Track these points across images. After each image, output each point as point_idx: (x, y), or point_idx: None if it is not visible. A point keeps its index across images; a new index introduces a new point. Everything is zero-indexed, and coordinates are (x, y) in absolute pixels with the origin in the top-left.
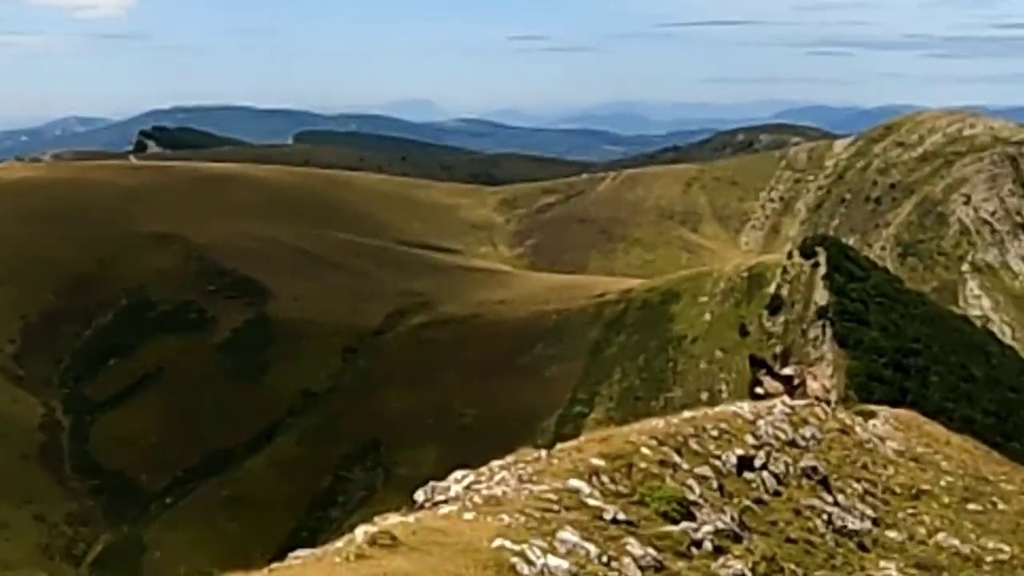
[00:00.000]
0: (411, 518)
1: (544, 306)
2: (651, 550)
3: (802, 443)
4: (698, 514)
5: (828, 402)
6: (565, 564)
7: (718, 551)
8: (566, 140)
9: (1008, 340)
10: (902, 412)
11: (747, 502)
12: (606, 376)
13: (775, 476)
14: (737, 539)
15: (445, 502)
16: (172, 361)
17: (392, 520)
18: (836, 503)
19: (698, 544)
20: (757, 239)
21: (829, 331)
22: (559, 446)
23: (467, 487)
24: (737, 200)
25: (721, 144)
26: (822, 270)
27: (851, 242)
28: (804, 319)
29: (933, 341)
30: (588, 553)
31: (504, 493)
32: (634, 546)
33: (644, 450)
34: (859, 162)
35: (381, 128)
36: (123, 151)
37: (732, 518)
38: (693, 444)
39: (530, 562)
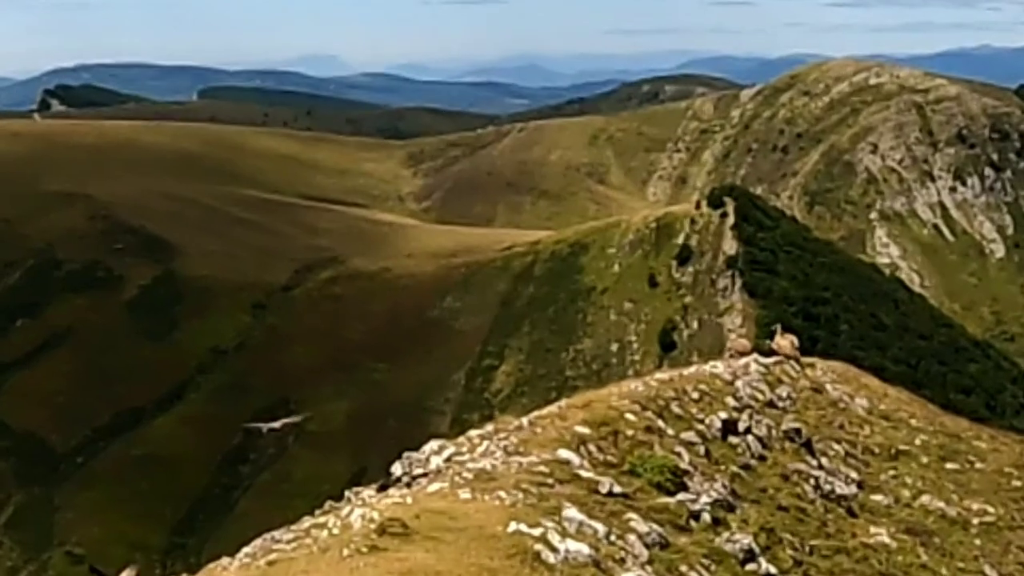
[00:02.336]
0: (408, 498)
1: (452, 259)
2: (654, 526)
3: (780, 404)
4: (690, 484)
5: (797, 359)
6: (586, 549)
7: (716, 523)
8: (471, 93)
9: (917, 288)
10: (836, 364)
11: (735, 468)
12: (516, 329)
13: (759, 440)
14: (731, 508)
15: (425, 475)
16: (81, 320)
17: (385, 501)
18: (821, 466)
19: (696, 516)
20: (664, 190)
21: (738, 281)
22: (539, 413)
23: (448, 460)
24: (644, 151)
25: (626, 95)
26: (730, 220)
27: (759, 192)
28: (713, 269)
29: (842, 290)
30: (596, 532)
31: (493, 467)
32: (638, 523)
33: (628, 416)
34: (765, 112)
35: (285, 83)
36: (27, 110)
37: (724, 486)
38: (675, 408)
39: (553, 548)
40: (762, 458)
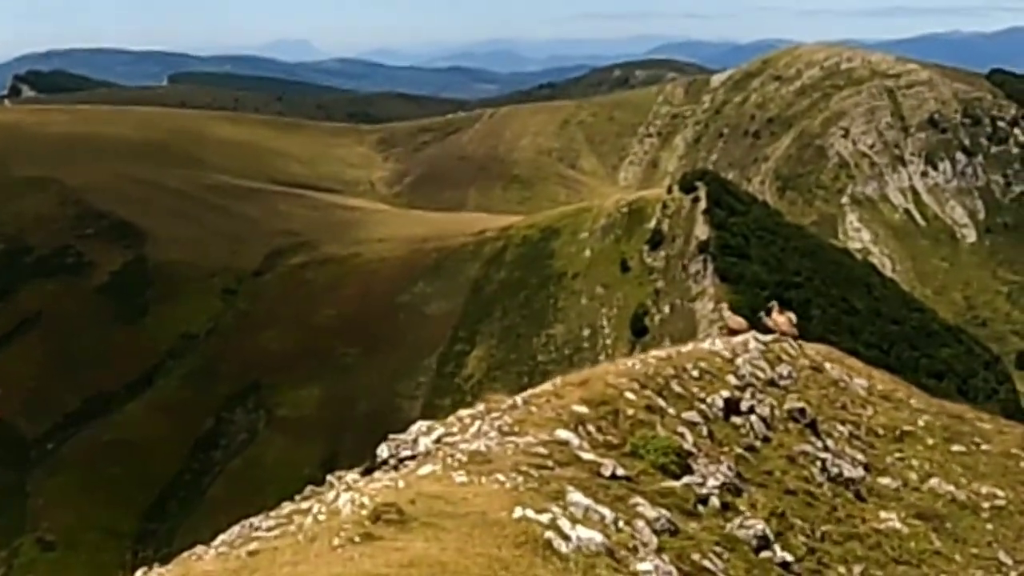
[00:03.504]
0: (399, 482)
1: (423, 244)
2: (663, 511)
3: (781, 383)
4: (695, 466)
5: (795, 336)
6: (599, 537)
7: (725, 508)
8: (441, 79)
9: (889, 272)
10: (819, 346)
11: (739, 450)
12: (487, 314)
13: (763, 420)
14: (738, 492)
15: (413, 458)
16: (51, 305)
17: (374, 485)
18: (826, 448)
19: (703, 501)
20: (636, 174)
21: (711, 265)
22: (533, 391)
23: (438, 441)
24: (615, 136)
25: (597, 81)
26: (702, 205)
27: (730, 176)
28: (685, 254)
29: (814, 274)
30: (604, 518)
31: (488, 448)
32: (645, 508)
33: (628, 395)
34: (737, 96)
35: (256, 69)
36: None
37: (729, 469)
38: (675, 386)
39: (565, 536)
40: (766, 439)
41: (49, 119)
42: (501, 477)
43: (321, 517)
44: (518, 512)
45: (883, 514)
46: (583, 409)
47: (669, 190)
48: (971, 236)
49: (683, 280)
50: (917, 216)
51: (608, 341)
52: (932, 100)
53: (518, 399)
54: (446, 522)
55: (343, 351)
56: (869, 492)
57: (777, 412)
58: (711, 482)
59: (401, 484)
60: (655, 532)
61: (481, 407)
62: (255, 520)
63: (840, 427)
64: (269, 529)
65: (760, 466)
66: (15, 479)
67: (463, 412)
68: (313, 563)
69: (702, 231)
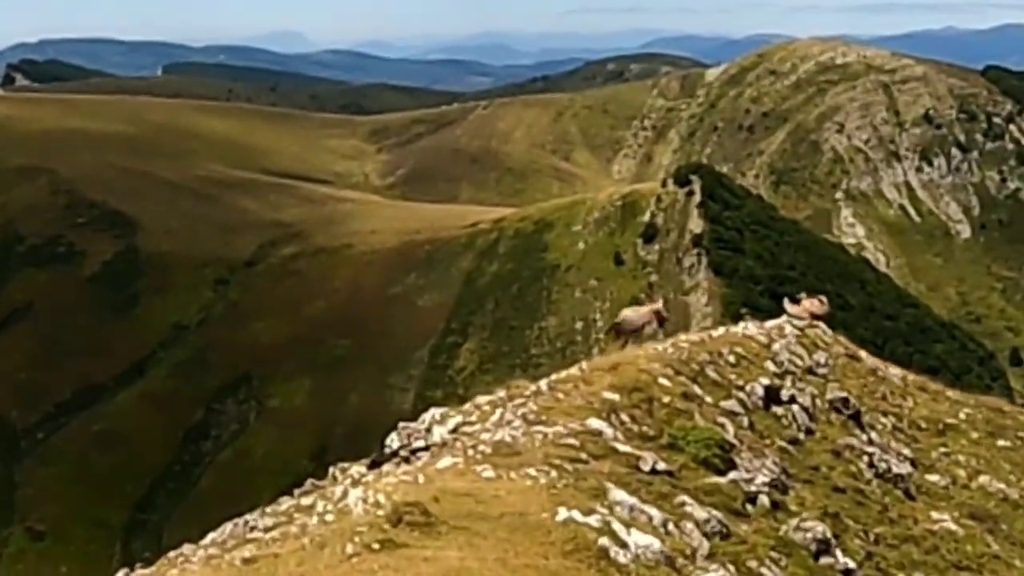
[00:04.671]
0: (418, 476)
1: (416, 236)
2: (713, 511)
3: (819, 371)
4: (738, 460)
5: (827, 318)
6: (656, 543)
7: (775, 507)
8: (434, 71)
9: (883, 268)
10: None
11: (781, 443)
12: (479, 306)
13: (805, 410)
14: (784, 490)
15: (426, 449)
16: (42, 295)
17: (388, 480)
18: (871, 442)
19: (752, 499)
20: (630, 168)
21: (704, 259)
22: (558, 377)
23: (455, 430)
24: (609, 129)
25: (591, 74)
26: (697, 198)
27: (725, 170)
28: (679, 247)
29: (808, 269)
30: (651, 519)
31: (513, 438)
32: (694, 507)
33: (662, 381)
34: (732, 90)
35: (250, 60)
36: None
37: (775, 463)
38: (711, 372)
39: (621, 543)
40: (809, 431)
41: (41, 108)
42: (532, 471)
43: (329, 518)
44: (562, 513)
45: (935, 514)
46: (614, 396)
47: (663, 183)
48: (965, 232)
49: (677, 274)
50: (912, 212)
51: (601, 335)
52: (927, 96)
53: (542, 385)
54: (479, 525)
55: (334, 343)
56: (918, 490)
57: (819, 402)
58: (759, 478)
59: (421, 479)
60: (705, 535)
61: (502, 393)
62: (250, 517)
63: (883, 419)
64: (267, 529)
65: (805, 461)
66: (5, 469)
67: (481, 399)
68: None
69: (696, 225)
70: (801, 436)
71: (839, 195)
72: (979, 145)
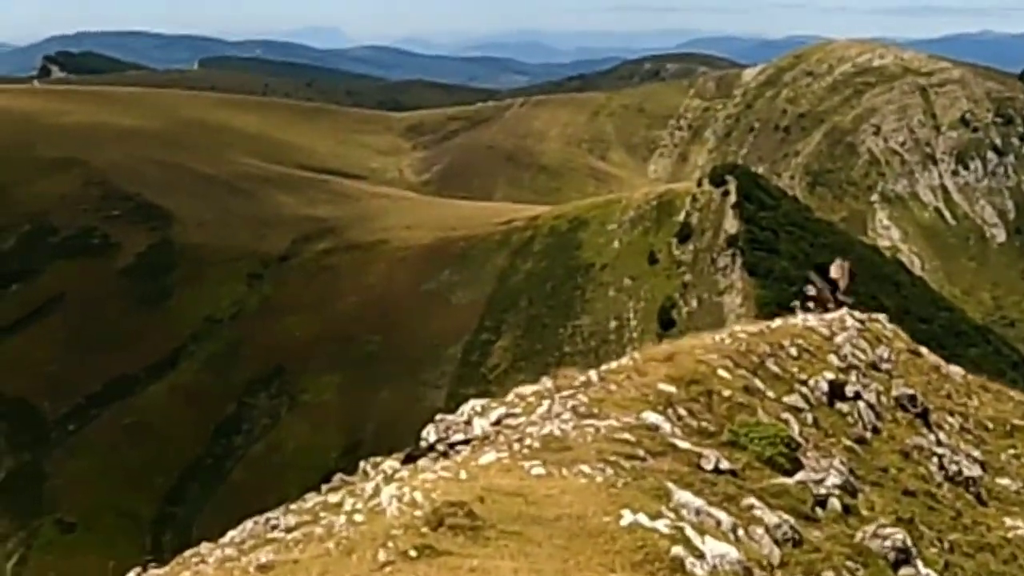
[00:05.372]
0: (460, 472)
1: (450, 232)
2: (784, 515)
3: (883, 366)
4: (805, 460)
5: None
6: (733, 552)
7: (846, 511)
8: (471, 68)
9: (917, 271)
10: None
11: (847, 441)
12: (513, 303)
13: (871, 408)
14: (853, 493)
15: (466, 442)
16: (75, 287)
17: (425, 476)
18: (940, 442)
19: (822, 502)
20: (665, 167)
21: (739, 260)
22: (610, 367)
23: (497, 423)
24: (645, 128)
25: (628, 73)
26: (732, 198)
27: (760, 171)
28: (714, 248)
29: None
30: (720, 523)
31: (563, 432)
32: (763, 511)
33: (721, 373)
34: (768, 91)
35: (287, 54)
36: (27, 76)
37: (843, 464)
38: (771, 365)
39: (697, 552)
40: (876, 430)
41: (77, 100)
42: (586, 468)
43: (359, 518)
44: (626, 517)
45: (1008, 520)
46: (671, 388)
47: (699, 183)
48: (1000, 236)
49: (711, 274)
50: (947, 215)
51: (635, 334)
52: (964, 99)
53: (593, 375)
54: (533, 530)
55: (367, 338)
56: (989, 494)
57: (884, 399)
58: (830, 480)
59: (463, 475)
60: (776, 542)
61: (548, 384)
62: (272, 515)
63: (949, 419)
64: (289, 529)
65: (873, 461)
66: (35, 460)
67: (525, 389)
68: None
69: (731, 225)
70: (868, 435)
71: (875, 197)
72: (1015, 149)
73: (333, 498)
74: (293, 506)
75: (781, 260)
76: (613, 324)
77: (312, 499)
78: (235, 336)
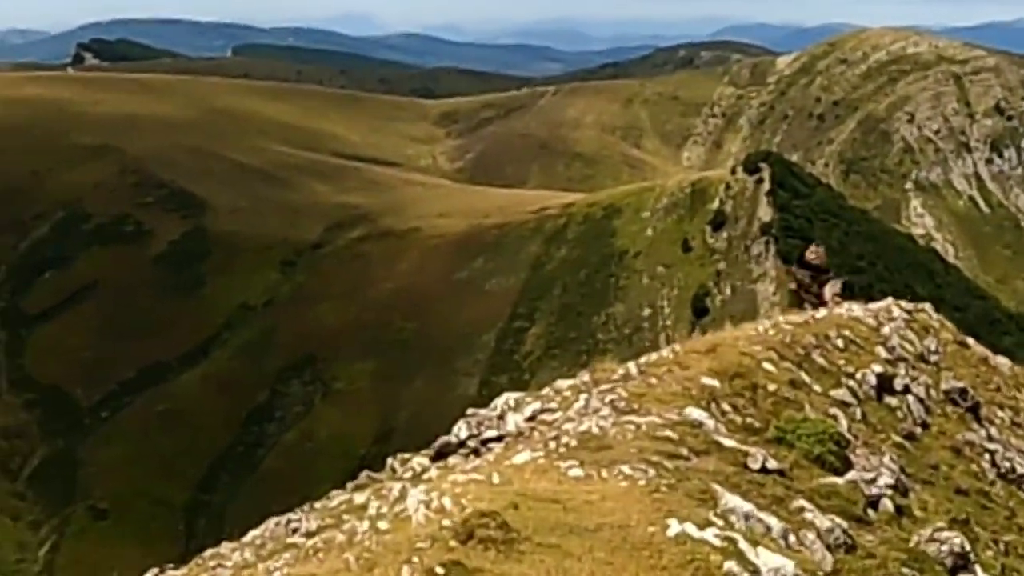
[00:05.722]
0: (493, 475)
1: (484, 220)
2: (836, 519)
3: (931, 358)
4: (854, 458)
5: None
6: (789, 565)
7: (899, 512)
8: (505, 56)
9: (951, 259)
10: None
11: (896, 438)
12: (546, 291)
13: (920, 402)
14: (904, 492)
15: (499, 439)
16: (108, 274)
17: (455, 478)
18: (991, 438)
19: (874, 503)
20: (699, 155)
21: (772, 247)
22: (650, 359)
23: (532, 418)
24: (679, 116)
25: (662, 60)
26: (766, 186)
27: (794, 159)
28: (748, 235)
29: (878, 259)
30: (770, 529)
31: (602, 429)
32: (814, 514)
33: (766, 366)
34: (802, 79)
35: (320, 42)
36: (61, 63)
37: (892, 461)
38: (818, 357)
39: (750, 566)
40: (925, 425)
41: (110, 88)
42: (627, 470)
43: (383, 525)
44: (673, 526)
45: None
46: (714, 382)
47: (733, 171)
48: None
49: (745, 262)
50: (981, 203)
51: (668, 322)
52: (999, 87)
53: (631, 368)
54: (571, 542)
55: (400, 326)
56: None
57: (933, 392)
58: (882, 479)
59: (495, 478)
60: (828, 547)
61: (585, 377)
62: (294, 517)
63: (1000, 413)
64: (310, 534)
65: (923, 458)
66: (68, 447)
67: (562, 383)
68: None
69: (765, 213)
70: (917, 431)
71: (909, 185)
72: None
73: (359, 498)
74: (318, 504)
75: None
76: (646, 312)
77: (337, 497)
78: (268, 324)
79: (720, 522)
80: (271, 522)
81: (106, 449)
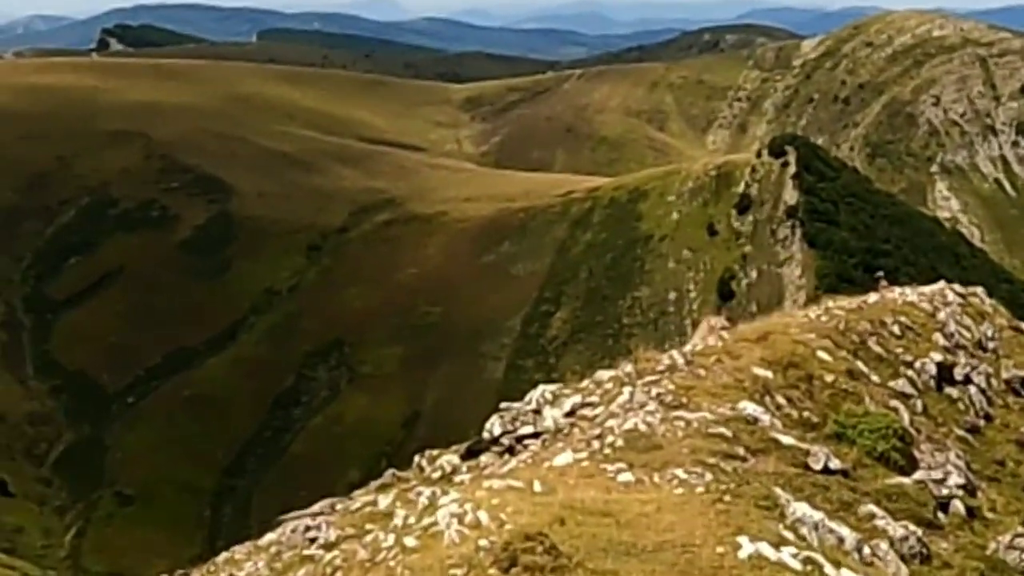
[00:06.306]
0: (534, 483)
1: (510, 204)
2: (910, 526)
3: (989, 345)
4: (919, 454)
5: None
6: None
7: (970, 514)
8: (530, 40)
9: (977, 243)
10: None
11: (959, 431)
12: (572, 275)
13: (982, 392)
14: (972, 492)
15: (536, 436)
16: (134, 259)
17: (491, 485)
18: None
19: (944, 505)
20: (724, 138)
21: (799, 231)
22: (697, 348)
23: (572, 413)
24: (704, 99)
25: (686, 44)
26: (791, 169)
27: (819, 142)
28: (773, 219)
29: (903, 242)
30: (843, 540)
31: (650, 426)
32: (886, 522)
33: (821, 355)
34: (827, 62)
35: (344, 27)
36: (86, 49)
37: (958, 457)
38: (874, 345)
39: None
40: (988, 417)
41: (136, 73)
42: (682, 474)
43: (410, 542)
44: (745, 546)
45: None
46: (767, 373)
47: (758, 154)
48: None
49: (771, 245)
50: (1007, 186)
51: (694, 305)
52: None
53: (677, 358)
54: (630, 566)
55: (426, 310)
56: None
57: (994, 382)
58: (952, 479)
59: (537, 486)
60: (902, 558)
61: (628, 368)
62: (312, 524)
63: None
64: (329, 545)
65: (988, 453)
66: (95, 432)
67: (603, 374)
68: None
69: (791, 196)
70: (980, 423)
71: (934, 168)
72: None
73: (383, 501)
74: (339, 506)
75: (841, 231)
76: (672, 296)
77: (360, 498)
78: (294, 308)
79: (792, 536)
80: (288, 526)
81: (132, 435)
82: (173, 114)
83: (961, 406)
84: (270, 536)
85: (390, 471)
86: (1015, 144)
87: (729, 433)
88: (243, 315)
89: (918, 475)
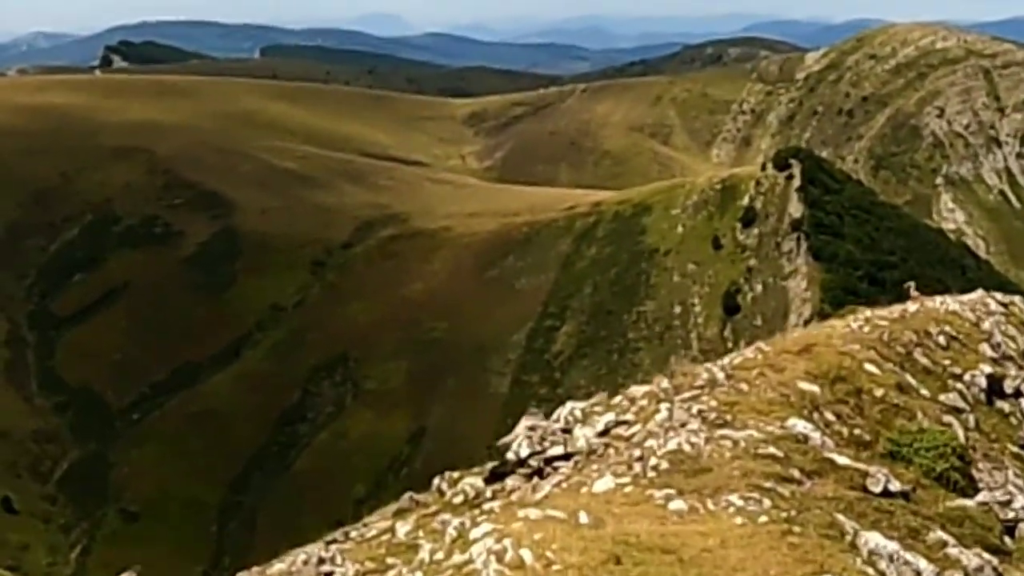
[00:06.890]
0: (580, 514)
1: (514, 219)
2: (984, 554)
3: None
4: (977, 473)
5: None
6: None
7: None
8: (533, 55)
9: (983, 254)
10: None
11: (1013, 448)
12: (577, 289)
13: None
14: None
15: (566, 457)
16: (138, 275)
17: (528, 516)
18: None
19: (1010, 529)
20: (728, 152)
21: (804, 244)
22: (736, 361)
23: (605, 432)
24: (707, 113)
25: (689, 58)
26: (796, 182)
27: (823, 155)
28: (778, 232)
29: (909, 255)
30: (920, 574)
31: (695, 447)
32: (958, 551)
33: (869, 367)
34: (831, 75)
35: (348, 42)
36: (89, 66)
37: (1017, 476)
38: (920, 357)
39: None
40: None
41: (139, 89)
42: (738, 500)
43: None
44: None
45: None
46: (814, 387)
47: (763, 167)
48: None
49: (776, 258)
50: (1012, 197)
51: (699, 319)
52: None
53: (717, 372)
54: None
55: (431, 325)
56: None
57: None
58: (1018, 502)
59: (582, 517)
60: None
61: (665, 383)
62: (325, 552)
63: None
64: None
65: None
66: (100, 449)
67: (637, 390)
68: None
69: (796, 209)
70: None
71: (939, 180)
72: None
73: (401, 529)
74: (354, 534)
75: (846, 244)
76: (678, 310)
77: (375, 524)
78: (299, 324)
79: (872, 571)
80: (300, 555)
81: (137, 451)
82: (176, 130)
83: (1013, 420)
84: (279, 566)
85: (407, 494)
86: (1019, 155)
87: (781, 453)
88: (248, 331)
89: (981, 497)
